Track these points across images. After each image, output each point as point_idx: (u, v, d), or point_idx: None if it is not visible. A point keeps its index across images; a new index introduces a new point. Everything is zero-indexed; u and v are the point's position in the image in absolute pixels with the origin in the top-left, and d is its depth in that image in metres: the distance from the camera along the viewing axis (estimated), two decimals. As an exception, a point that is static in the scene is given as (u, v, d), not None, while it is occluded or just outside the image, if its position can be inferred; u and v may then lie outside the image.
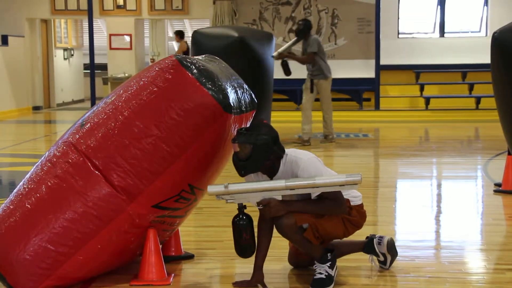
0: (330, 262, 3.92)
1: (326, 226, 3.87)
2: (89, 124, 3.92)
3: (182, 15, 16.69)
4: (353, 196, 4.01)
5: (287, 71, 10.12)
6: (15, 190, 3.96)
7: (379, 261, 4.20)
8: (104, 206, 3.77)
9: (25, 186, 3.89)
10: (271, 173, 3.88)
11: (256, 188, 3.75)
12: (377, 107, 14.68)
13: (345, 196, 3.90)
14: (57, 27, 18.03)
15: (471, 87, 14.97)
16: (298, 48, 11.24)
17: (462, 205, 6.34)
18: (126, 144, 3.80)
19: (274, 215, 3.80)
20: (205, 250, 4.70)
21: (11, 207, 3.85)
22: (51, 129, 14.16)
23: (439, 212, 6.15)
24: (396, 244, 4.29)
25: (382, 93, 14.85)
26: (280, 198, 3.83)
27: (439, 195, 7.06)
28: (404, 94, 15.18)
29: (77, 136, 3.91)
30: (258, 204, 3.78)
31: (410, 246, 4.84)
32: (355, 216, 3.99)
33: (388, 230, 5.40)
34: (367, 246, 4.17)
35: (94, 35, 15.19)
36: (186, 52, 15.14)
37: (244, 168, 3.80)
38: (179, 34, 16.27)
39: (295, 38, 10.27)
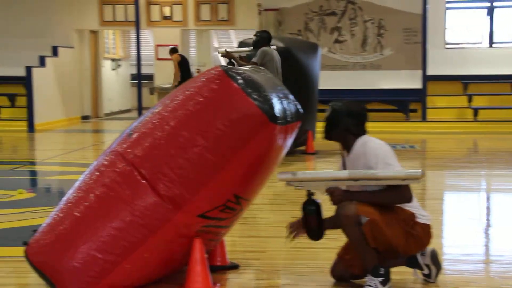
0: (383, 278, 3.84)
1: (386, 230, 3.81)
2: (136, 134, 3.97)
3: (228, 26, 16.80)
4: (421, 214, 3.95)
5: None
6: (64, 198, 4.02)
7: (424, 274, 4.12)
8: (151, 215, 3.80)
9: (74, 195, 3.95)
10: (346, 147, 4.01)
11: (321, 177, 3.87)
12: (424, 118, 14.50)
13: (411, 210, 3.87)
14: (105, 38, 18.34)
15: (520, 98, 14.70)
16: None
17: (512, 218, 6.21)
18: (172, 154, 3.83)
19: (336, 203, 3.86)
20: (250, 260, 4.70)
21: (61, 215, 3.91)
22: (98, 138, 14.38)
23: (488, 225, 6.03)
24: (444, 257, 4.23)
25: (429, 104, 14.67)
26: (344, 187, 3.92)
27: (488, 208, 6.93)
28: (451, 105, 14.96)
29: (125, 145, 3.96)
30: (325, 192, 3.90)
31: (458, 259, 4.76)
32: (419, 232, 3.91)
33: (436, 243, 5.31)
34: (410, 259, 4.10)
35: (141, 45, 15.41)
36: (181, 62, 15.11)
37: (323, 130, 4.06)
38: (172, 51, 15.97)
39: (251, 48, 9.35)
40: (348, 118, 3.95)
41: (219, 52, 9.36)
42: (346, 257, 4.08)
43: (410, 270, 4.17)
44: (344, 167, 4.04)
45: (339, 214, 3.85)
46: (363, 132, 3.98)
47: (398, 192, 3.80)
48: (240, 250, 5.05)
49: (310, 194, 3.93)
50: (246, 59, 9.06)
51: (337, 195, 3.85)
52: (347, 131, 3.96)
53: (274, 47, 9.28)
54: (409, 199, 3.83)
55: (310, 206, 3.93)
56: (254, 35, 9.24)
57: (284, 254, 4.91)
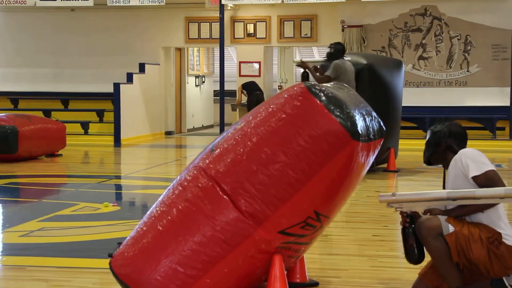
0: None
1: (471, 243, 3.74)
2: (218, 150, 4.02)
3: (311, 43, 16.83)
4: (508, 234, 3.82)
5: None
6: (148, 212, 4.10)
7: None
8: (231, 231, 3.83)
9: (157, 209, 4.03)
10: (444, 163, 4.03)
11: (420, 198, 3.83)
12: (511, 136, 14.07)
13: (498, 230, 3.79)
14: (190, 55, 18.70)
15: None
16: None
17: None
18: (254, 170, 3.86)
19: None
20: (330, 278, 4.67)
21: (144, 228, 4.00)
22: (181, 153, 14.64)
23: None
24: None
25: (518, 122, 14.23)
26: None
27: None
28: (542, 124, 14.46)
29: (207, 161, 4.01)
30: (425, 213, 3.88)
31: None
32: (503, 253, 3.78)
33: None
34: (495, 282, 3.93)
35: (224, 62, 15.63)
36: (245, 88, 15.46)
37: (424, 151, 4.07)
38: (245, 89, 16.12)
39: (326, 58, 9.47)
40: (449, 138, 3.99)
41: (294, 62, 9.46)
42: (428, 277, 3.98)
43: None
44: (444, 184, 4.04)
45: (421, 226, 3.79)
46: (461, 147, 3.99)
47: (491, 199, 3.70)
48: (320, 268, 5.02)
49: (408, 215, 3.89)
50: (320, 70, 9.26)
51: (435, 214, 3.83)
52: (448, 149, 3.98)
53: (349, 58, 9.32)
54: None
55: (408, 229, 3.89)
56: (329, 47, 9.48)
57: (364, 273, 4.85)
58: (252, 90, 15.67)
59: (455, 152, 3.93)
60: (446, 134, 3.99)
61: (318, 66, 9.45)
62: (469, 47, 15.11)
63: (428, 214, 3.85)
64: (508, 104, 14.23)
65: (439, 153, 4.01)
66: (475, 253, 3.75)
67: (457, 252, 3.74)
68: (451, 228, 3.76)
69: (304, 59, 9.16)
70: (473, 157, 3.79)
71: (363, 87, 9.30)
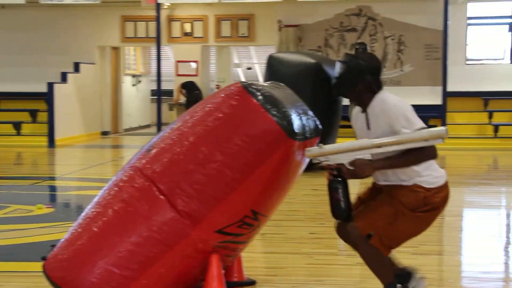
0: None
1: (395, 231, 3.64)
2: (155, 150, 3.99)
3: (248, 42, 16.87)
4: (433, 178, 3.66)
5: None
6: (83, 214, 4.04)
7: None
8: (168, 231, 3.81)
9: (92, 210, 3.98)
10: (361, 104, 3.75)
11: (346, 148, 3.62)
12: (444, 134, 14.44)
13: (422, 184, 3.63)
14: (126, 54, 18.49)
15: (542, 114, 14.58)
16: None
17: (533, 236, 6.14)
18: (191, 169, 3.85)
19: (359, 175, 3.60)
20: (267, 277, 4.69)
21: (79, 230, 3.93)
22: (118, 153, 14.47)
23: (508, 243, 5.97)
24: (463, 275, 4.18)
25: (449, 120, 14.60)
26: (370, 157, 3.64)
27: (508, 226, 6.86)
28: (471, 122, 14.88)
29: (144, 161, 3.98)
30: (351, 164, 3.64)
31: (477, 277, 4.71)
32: (435, 204, 3.65)
33: (454, 260, 5.28)
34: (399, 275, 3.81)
35: (161, 62, 15.52)
36: (184, 87, 15.59)
37: (334, 86, 3.79)
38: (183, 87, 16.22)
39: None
40: (368, 75, 3.67)
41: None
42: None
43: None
44: (367, 124, 3.77)
45: (344, 234, 3.71)
46: (379, 88, 3.73)
47: (421, 150, 3.57)
48: (258, 266, 5.04)
49: (335, 171, 3.65)
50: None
51: (357, 165, 3.58)
52: (367, 88, 3.68)
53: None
54: (434, 155, 3.62)
55: (335, 183, 3.66)
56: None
57: (301, 271, 4.89)
58: (191, 90, 15.64)
59: (373, 92, 3.69)
60: (365, 70, 3.67)
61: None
62: (402, 47, 15.43)
63: (353, 166, 3.59)
64: (440, 102, 14.58)
65: (355, 92, 3.71)
66: (403, 233, 3.68)
67: (386, 248, 3.67)
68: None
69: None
70: (405, 113, 3.59)
71: (309, 86, 9.34)
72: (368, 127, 3.74)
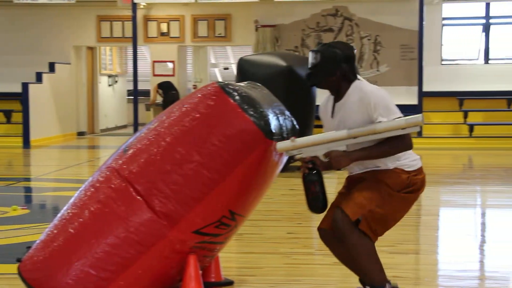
0: None
1: (383, 214, 3.59)
2: (132, 150, 3.97)
3: (225, 42, 16.85)
4: (411, 161, 3.66)
5: None
6: (59, 215, 4.01)
7: None
8: (145, 232, 3.79)
9: (68, 211, 3.94)
10: (337, 93, 3.69)
11: (320, 140, 3.59)
12: (419, 134, 14.53)
13: (402, 167, 3.63)
14: (102, 54, 18.38)
15: (516, 114, 14.75)
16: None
17: (507, 235, 6.20)
18: (168, 170, 3.83)
19: (336, 167, 3.57)
20: (245, 277, 4.69)
21: (55, 231, 3.90)
22: (94, 154, 14.37)
23: (483, 241, 6.03)
24: (439, 273, 4.21)
25: (424, 120, 14.66)
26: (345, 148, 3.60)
27: (483, 224, 6.93)
28: (447, 121, 15.01)
29: (120, 161, 3.95)
30: (324, 157, 3.59)
31: (453, 275, 4.75)
32: (417, 185, 3.65)
33: (431, 259, 5.32)
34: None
35: (138, 62, 15.45)
36: (161, 87, 15.62)
37: (309, 76, 3.70)
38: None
39: None
40: (344, 63, 3.63)
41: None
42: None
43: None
44: (332, 113, 3.73)
45: (336, 228, 3.58)
46: (355, 76, 3.68)
47: (398, 140, 3.54)
48: (235, 267, 5.04)
49: (310, 164, 3.60)
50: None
51: (333, 157, 3.54)
52: (344, 77, 3.65)
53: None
54: (410, 145, 3.59)
55: (311, 175, 3.60)
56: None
57: (279, 271, 4.90)
58: (168, 90, 15.59)
59: (350, 81, 3.66)
60: (341, 59, 3.63)
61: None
62: (378, 47, 15.52)
63: (328, 157, 3.56)
64: (416, 102, 14.68)
65: (331, 81, 3.66)
66: (390, 216, 3.64)
67: (374, 233, 3.61)
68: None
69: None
70: (383, 101, 3.58)
71: (281, 86, 9.35)
72: (332, 115, 3.71)
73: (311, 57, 3.69)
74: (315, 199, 3.61)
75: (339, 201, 3.71)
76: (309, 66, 3.70)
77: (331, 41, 3.79)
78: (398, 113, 3.59)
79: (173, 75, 16.59)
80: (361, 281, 3.73)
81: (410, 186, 3.64)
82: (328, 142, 3.57)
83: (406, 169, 3.64)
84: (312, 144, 3.60)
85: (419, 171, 3.70)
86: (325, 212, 3.71)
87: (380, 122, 3.51)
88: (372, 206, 3.59)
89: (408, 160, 3.66)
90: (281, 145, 3.69)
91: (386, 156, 3.59)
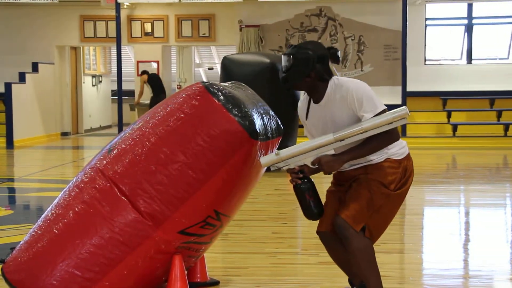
0: None
1: (381, 218, 3.60)
2: (116, 150, 3.95)
3: (209, 42, 16.84)
4: (400, 149, 3.65)
5: None
6: (43, 216, 3.99)
7: None
8: (130, 232, 3.78)
9: (53, 212, 3.92)
10: (315, 95, 3.64)
11: (306, 148, 3.54)
12: (403, 133, 14.60)
13: (392, 157, 3.62)
14: (86, 54, 18.30)
15: (499, 114, 14.84)
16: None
17: (491, 234, 6.25)
18: (152, 170, 3.82)
19: (329, 171, 3.55)
20: (231, 277, 4.69)
21: (39, 232, 3.88)
22: (78, 154, 14.30)
23: (467, 240, 6.07)
24: (424, 272, 4.24)
25: (408, 119, 14.56)
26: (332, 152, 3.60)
27: (467, 223, 6.97)
28: (431, 121, 15.10)
29: (104, 162, 3.94)
30: (313, 164, 3.56)
31: (437, 274, 4.78)
32: (410, 174, 3.66)
33: (415, 258, 5.34)
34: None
35: (122, 62, 15.40)
36: (149, 80, 15.48)
37: (284, 80, 3.64)
38: (142, 72, 16.08)
39: None
40: (318, 64, 3.58)
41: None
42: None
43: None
44: (307, 115, 3.70)
45: (352, 250, 3.54)
46: (330, 75, 3.62)
47: (385, 135, 3.53)
48: (221, 267, 5.04)
49: (300, 174, 3.57)
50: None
51: (324, 163, 3.51)
52: (319, 78, 3.59)
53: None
54: (397, 137, 3.59)
55: (303, 184, 3.57)
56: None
57: (264, 270, 4.90)
58: (158, 87, 15.41)
59: (326, 81, 3.60)
60: (315, 60, 3.57)
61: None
62: (362, 47, 15.57)
63: (316, 164, 3.53)
64: (399, 102, 14.74)
65: (307, 82, 3.60)
66: (388, 217, 3.65)
67: (375, 237, 3.64)
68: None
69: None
70: (366, 94, 3.55)
71: (265, 85, 9.37)
72: (307, 117, 3.69)
73: (284, 61, 3.65)
74: (311, 207, 3.59)
75: (334, 203, 3.69)
76: (283, 69, 3.66)
77: (302, 42, 3.76)
78: (382, 105, 3.58)
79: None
80: (349, 281, 3.74)
81: (405, 175, 3.63)
82: (313, 150, 3.54)
83: (397, 158, 3.63)
84: (298, 154, 3.55)
85: (408, 157, 3.71)
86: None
87: (366, 120, 3.50)
88: (372, 211, 3.58)
89: (397, 148, 3.65)
90: (265, 159, 3.60)
91: (376, 151, 3.57)
